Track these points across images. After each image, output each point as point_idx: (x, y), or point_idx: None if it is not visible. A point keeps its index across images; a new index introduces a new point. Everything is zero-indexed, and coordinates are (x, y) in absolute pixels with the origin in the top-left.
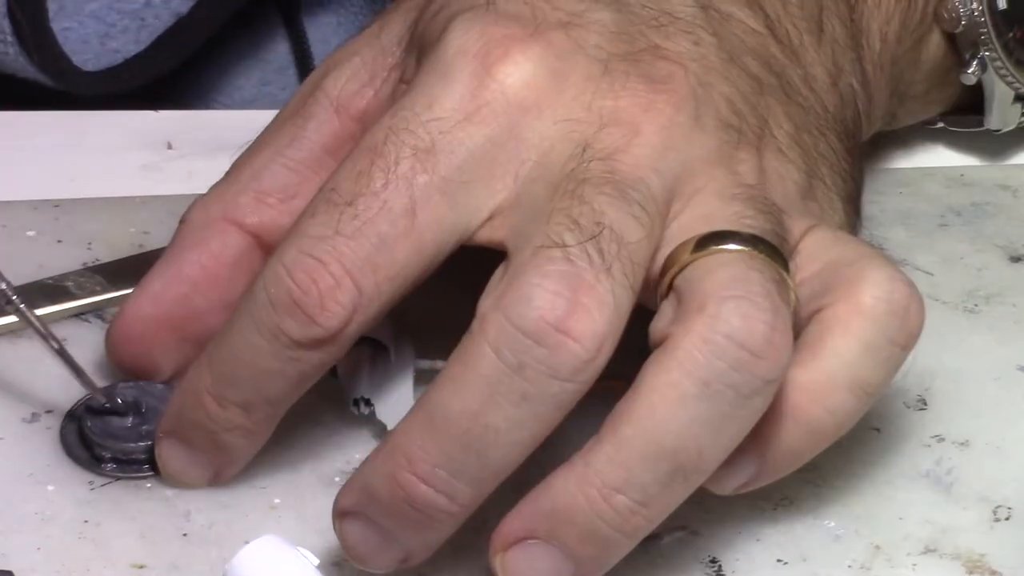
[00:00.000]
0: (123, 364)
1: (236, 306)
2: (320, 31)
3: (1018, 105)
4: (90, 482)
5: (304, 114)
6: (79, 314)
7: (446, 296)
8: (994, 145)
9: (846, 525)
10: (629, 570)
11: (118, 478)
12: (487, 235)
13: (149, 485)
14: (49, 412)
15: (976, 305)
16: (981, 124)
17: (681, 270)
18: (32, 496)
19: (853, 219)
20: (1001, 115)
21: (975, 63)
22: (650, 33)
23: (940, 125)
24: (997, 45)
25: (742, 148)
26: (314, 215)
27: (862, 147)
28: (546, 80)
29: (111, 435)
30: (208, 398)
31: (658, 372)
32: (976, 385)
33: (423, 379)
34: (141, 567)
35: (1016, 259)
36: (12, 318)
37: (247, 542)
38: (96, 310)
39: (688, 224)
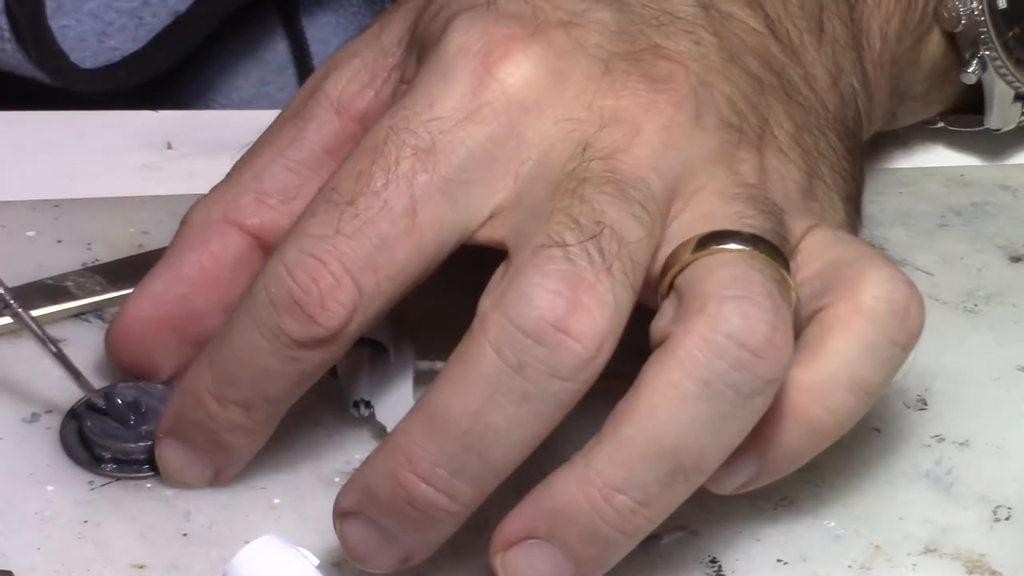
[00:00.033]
0: (123, 364)
1: (236, 305)
2: (319, 31)
3: (1018, 104)
4: (90, 482)
5: (305, 115)
6: (79, 314)
7: (446, 296)
8: (994, 145)
9: (846, 525)
10: (629, 570)
11: (118, 478)
12: (487, 234)
13: (149, 485)
14: (49, 412)
15: (976, 305)
16: (981, 123)
17: (682, 269)
18: (32, 496)
19: (854, 219)
20: (1001, 114)
21: (975, 62)
22: (651, 32)
23: (940, 125)
24: (997, 44)
25: (743, 147)
26: (315, 215)
27: (862, 147)
28: (547, 79)
29: (111, 435)
30: (208, 397)
31: (659, 372)
32: (976, 385)
33: (423, 380)
34: (141, 567)
35: (1016, 259)
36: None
37: (247, 542)
38: (96, 310)
39: (689, 223)
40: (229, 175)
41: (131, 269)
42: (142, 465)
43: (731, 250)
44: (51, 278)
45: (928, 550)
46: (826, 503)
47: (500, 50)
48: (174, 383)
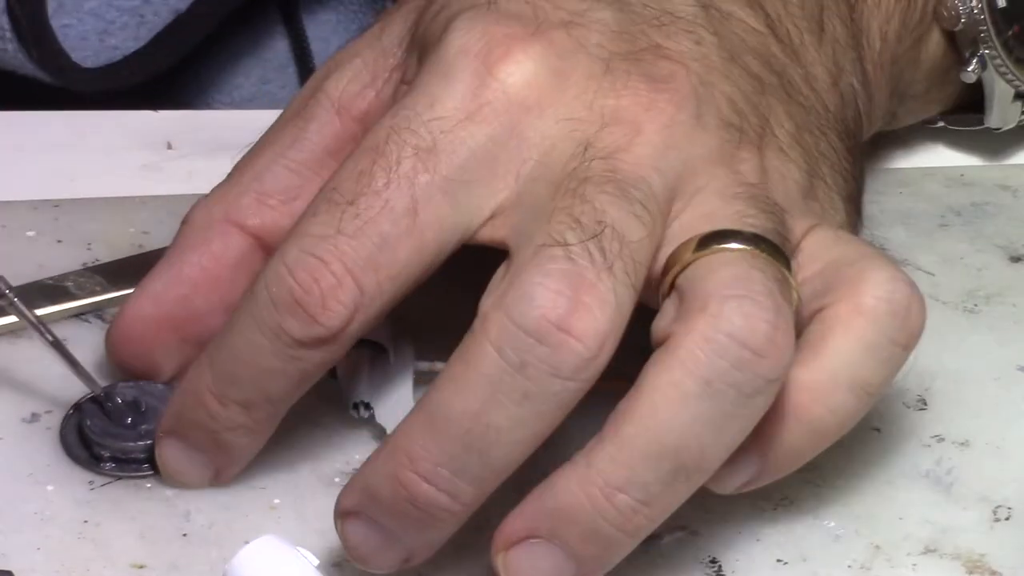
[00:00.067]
0: (123, 364)
1: (238, 305)
2: (319, 29)
3: (1018, 103)
4: (90, 482)
5: (306, 116)
6: (79, 314)
7: (446, 296)
8: (994, 145)
9: (846, 525)
10: (629, 570)
11: (118, 478)
12: (489, 234)
13: (149, 485)
14: (49, 412)
15: (976, 305)
16: (981, 123)
17: (683, 269)
18: (32, 496)
19: (854, 219)
20: (1001, 113)
21: (975, 61)
22: (651, 32)
23: (940, 124)
24: (997, 43)
25: (743, 147)
26: (316, 214)
27: (863, 147)
28: (548, 79)
29: (111, 434)
30: (209, 396)
31: (660, 371)
32: (976, 385)
33: (423, 381)
34: (141, 567)
35: (1016, 259)
36: (12, 318)
37: (247, 542)
38: (96, 310)
39: (690, 223)
40: (230, 175)
41: (131, 269)
42: (142, 465)
43: (732, 249)
44: (51, 278)
45: (928, 550)
46: (826, 503)
47: (501, 50)
48: (174, 383)
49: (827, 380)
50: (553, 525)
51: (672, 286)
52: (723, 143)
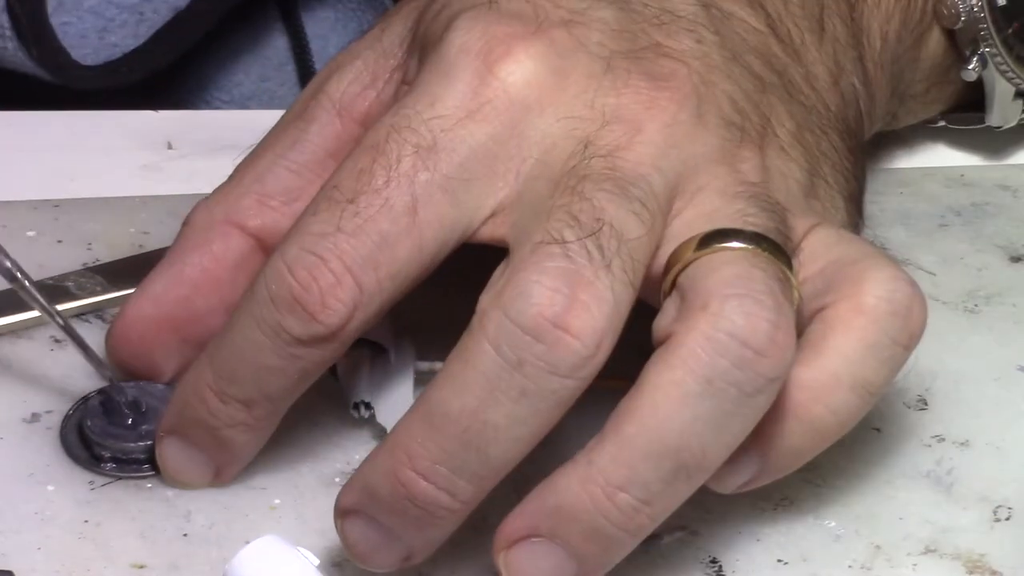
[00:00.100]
0: (123, 364)
1: (238, 303)
2: (318, 26)
3: (1019, 102)
4: (90, 482)
5: (306, 117)
6: (79, 314)
7: (446, 296)
8: (994, 145)
9: (846, 525)
10: (629, 570)
11: (118, 478)
12: (489, 232)
13: (149, 485)
14: (49, 412)
15: (976, 305)
16: (982, 122)
17: (684, 268)
18: (32, 496)
19: (855, 218)
20: (1002, 112)
21: (975, 59)
22: (652, 31)
23: (941, 123)
24: (997, 40)
25: (744, 146)
26: (316, 213)
27: (864, 146)
28: (548, 78)
29: (111, 435)
30: (210, 394)
31: (661, 370)
32: (976, 385)
33: (423, 381)
34: (141, 567)
35: (1016, 259)
36: (12, 318)
37: (247, 542)
38: (96, 310)
39: (691, 222)
40: (231, 177)
41: (131, 269)
42: (142, 465)
43: (733, 248)
44: (51, 278)
45: (928, 550)
46: (826, 503)
47: (501, 49)
48: (174, 384)
49: (828, 380)
50: (554, 524)
51: (673, 285)
52: (724, 142)
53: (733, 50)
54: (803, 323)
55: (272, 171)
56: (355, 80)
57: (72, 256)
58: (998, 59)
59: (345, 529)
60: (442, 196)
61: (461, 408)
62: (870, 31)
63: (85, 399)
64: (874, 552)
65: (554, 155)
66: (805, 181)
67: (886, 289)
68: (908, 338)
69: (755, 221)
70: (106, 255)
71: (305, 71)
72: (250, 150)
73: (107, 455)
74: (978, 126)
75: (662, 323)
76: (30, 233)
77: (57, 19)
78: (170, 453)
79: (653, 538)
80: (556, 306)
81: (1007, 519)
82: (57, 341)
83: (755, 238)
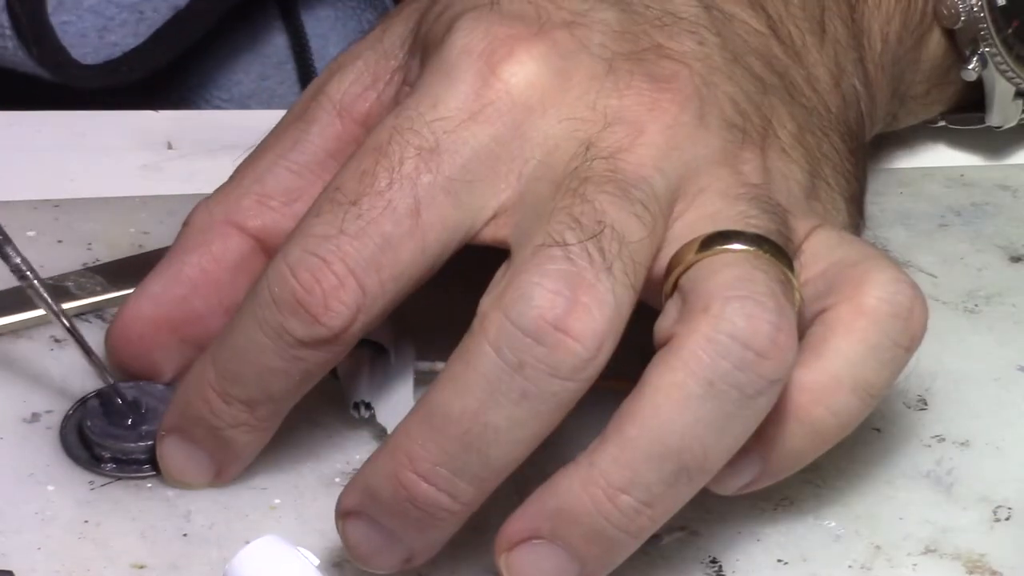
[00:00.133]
0: (123, 364)
1: (240, 305)
2: (318, 25)
3: (1019, 101)
4: (90, 482)
5: (307, 118)
6: (79, 314)
7: (447, 296)
8: (994, 145)
9: (846, 525)
10: (629, 570)
11: (118, 478)
12: (491, 234)
13: (149, 485)
14: (49, 412)
15: (976, 305)
16: (982, 122)
17: (686, 270)
18: (32, 496)
19: (856, 220)
20: (1002, 112)
21: (975, 59)
22: (654, 32)
23: (941, 124)
24: (997, 40)
25: (746, 148)
26: (318, 214)
27: (865, 148)
28: (550, 79)
29: (111, 435)
30: (212, 394)
31: (663, 372)
32: (976, 385)
33: (423, 381)
34: (141, 567)
35: (1016, 259)
36: (12, 318)
37: (247, 542)
38: (96, 310)
39: (692, 223)
40: (231, 177)
41: (131, 269)
42: (142, 465)
43: (735, 250)
44: (51, 278)
45: (928, 550)
46: (827, 503)
47: (504, 50)
48: (174, 384)
49: (829, 381)
50: (556, 526)
51: (675, 287)
52: (726, 143)
53: (735, 52)
54: (804, 325)
55: (272, 172)
56: (356, 81)
57: (72, 256)
58: (998, 59)
59: (346, 530)
60: (445, 198)
61: (462, 410)
62: (871, 32)
63: (85, 399)
64: (874, 552)
65: (556, 156)
66: (806, 183)
67: (887, 291)
68: (909, 340)
69: (757, 223)
70: (106, 255)
71: (305, 70)
72: (250, 150)
73: (107, 455)
74: (978, 126)
75: (663, 325)
76: (30, 233)
77: (57, 18)
78: (171, 452)
79: (653, 538)
80: (557, 308)
81: (1007, 519)
82: (57, 341)
83: (757, 240)
